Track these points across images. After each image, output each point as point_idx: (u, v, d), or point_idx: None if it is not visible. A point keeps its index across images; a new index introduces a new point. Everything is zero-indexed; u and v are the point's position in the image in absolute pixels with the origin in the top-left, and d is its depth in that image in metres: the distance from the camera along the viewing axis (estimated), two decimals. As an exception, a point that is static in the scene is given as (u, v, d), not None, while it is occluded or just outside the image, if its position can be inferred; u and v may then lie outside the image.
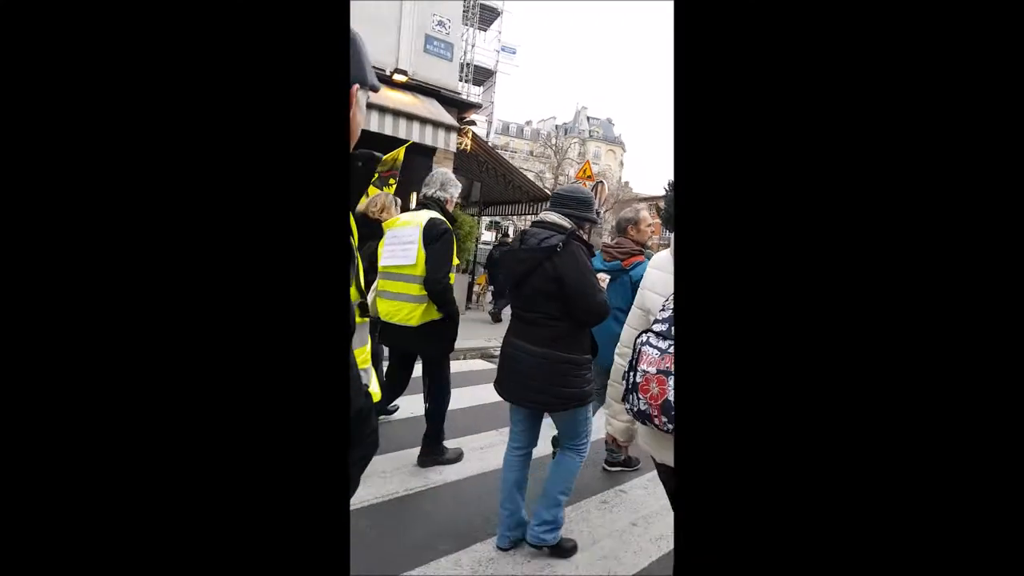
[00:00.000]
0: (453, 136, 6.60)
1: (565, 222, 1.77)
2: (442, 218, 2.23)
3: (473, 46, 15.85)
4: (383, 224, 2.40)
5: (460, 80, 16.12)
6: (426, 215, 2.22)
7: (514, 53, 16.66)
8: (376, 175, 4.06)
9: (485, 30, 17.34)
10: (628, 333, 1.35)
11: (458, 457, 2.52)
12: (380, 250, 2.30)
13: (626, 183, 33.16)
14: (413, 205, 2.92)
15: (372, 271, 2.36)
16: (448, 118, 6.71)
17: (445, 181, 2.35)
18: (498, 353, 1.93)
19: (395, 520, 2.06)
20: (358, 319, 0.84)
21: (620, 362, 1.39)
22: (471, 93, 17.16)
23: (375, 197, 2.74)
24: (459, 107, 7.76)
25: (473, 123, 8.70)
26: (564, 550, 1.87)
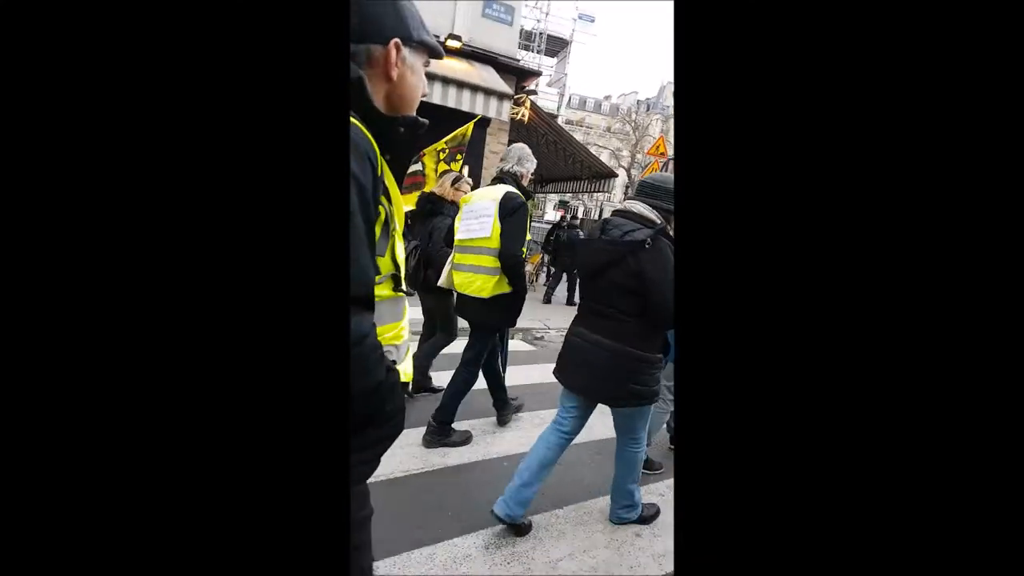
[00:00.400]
0: (506, 105, 6.24)
1: (653, 215, 1.62)
2: (517, 192, 2.22)
3: (547, 14, 15.16)
4: (460, 201, 2.45)
5: (530, 49, 15.62)
6: (502, 189, 2.20)
7: (592, 21, 15.73)
8: (445, 150, 3.99)
9: (563, -3, 16.45)
10: None
11: (466, 440, 2.44)
12: (456, 224, 2.34)
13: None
14: (467, 177, 2.97)
15: (448, 246, 2.45)
16: (502, 86, 6.34)
17: (522, 156, 2.34)
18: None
19: (395, 501, 1.96)
20: (390, 292, 0.79)
21: None
22: (543, 64, 16.55)
23: (446, 175, 2.79)
24: (518, 75, 7.35)
25: (533, 92, 8.27)
26: (647, 518, 1.96)
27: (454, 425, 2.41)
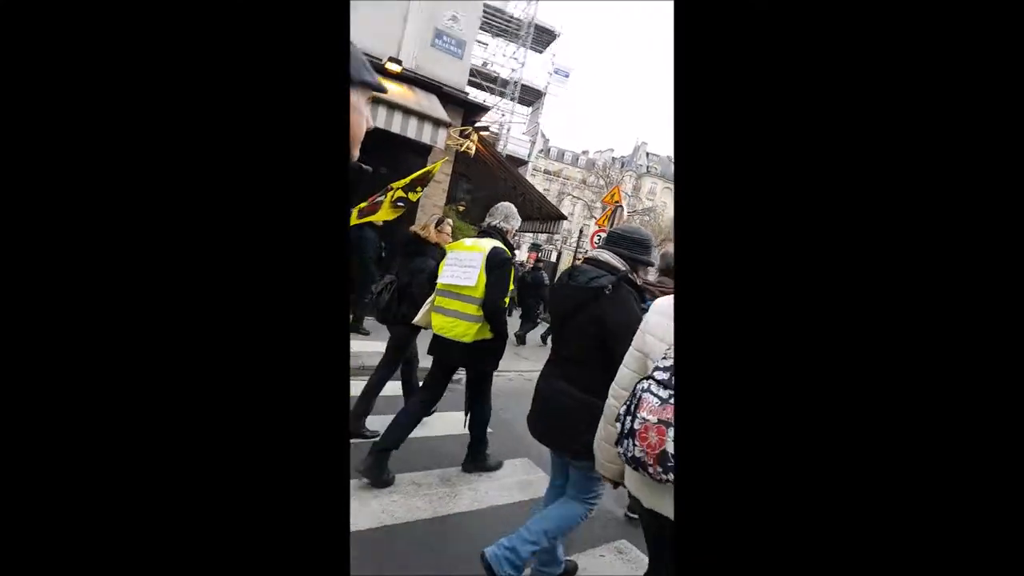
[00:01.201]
0: (442, 133, 6.07)
1: (618, 263, 1.67)
2: (504, 248, 2.36)
3: (523, 64, 15.73)
4: (446, 246, 2.59)
5: (506, 96, 16.12)
6: (490, 243, 2.34)
7: (566, 77, 16.35)
8: (407, 181, 4.16)
9: (540, 52, 17.23)
10: (625, 375, 1.28)
11: (499, 465, 2.72)
12: (441, 268, 2.47)
13: (678, 222, 31.80)
14: (448, 220, 3.13)
15: (430, 286, 2.61)
16: (440, 113, 6.20)
17: (508, 214, 2.50)
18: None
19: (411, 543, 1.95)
20: None
21: (614, 404, 1.28)
22: (517, 111, 17.02)
23: (431, 218, 3.01)
24: (466, 108, 7.28)
25: (485, 128, 8.24)
26: (567, 573, 1.85)
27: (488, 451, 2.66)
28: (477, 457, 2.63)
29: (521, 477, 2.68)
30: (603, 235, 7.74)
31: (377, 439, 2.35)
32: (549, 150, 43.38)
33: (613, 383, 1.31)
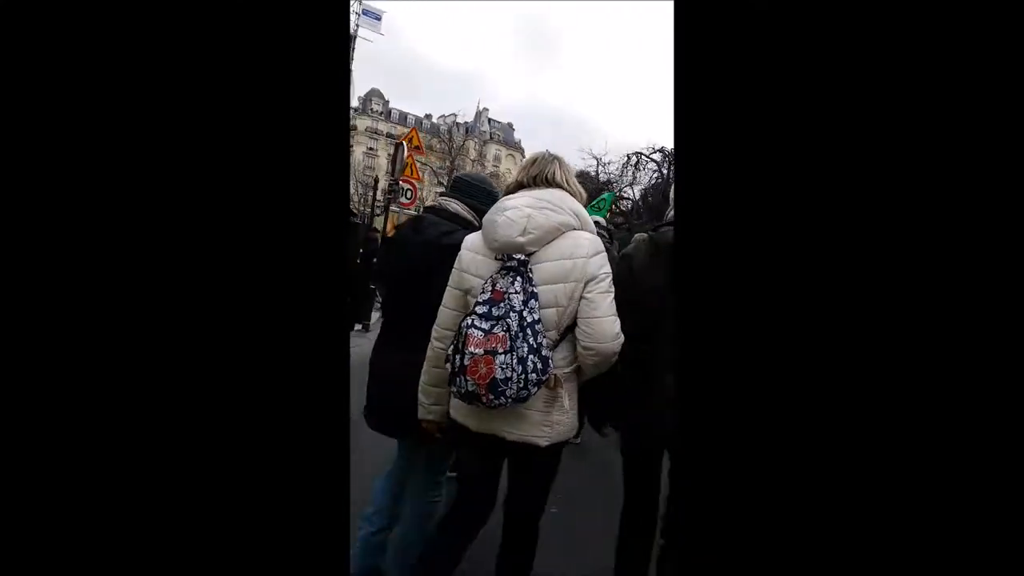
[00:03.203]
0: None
1: (469, 215, 1.50)
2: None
3: None
4: None
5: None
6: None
7: (378, 20, 14.65)
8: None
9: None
10: (445, 315, 1.30)
11: None
12: None
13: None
14: None
15: None
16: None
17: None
18: None
19: None
20: None
21: (438, 346, 1.30)
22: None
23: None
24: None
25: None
26: None
27: None
28: None
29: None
30: (407, 186, 6.96)
31: None
32: (390, 112, 40.51)
33: (435, 325, 1.30)
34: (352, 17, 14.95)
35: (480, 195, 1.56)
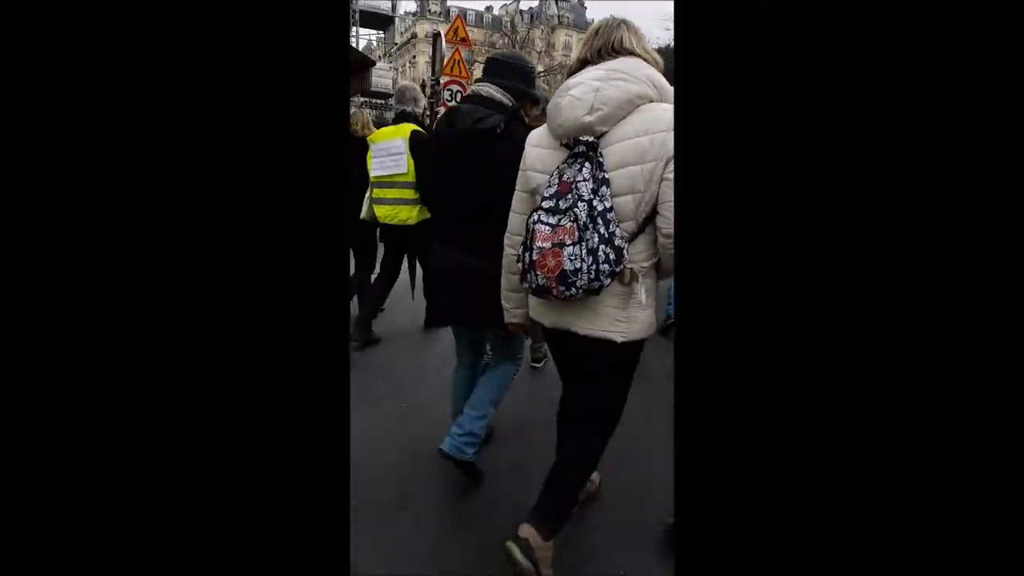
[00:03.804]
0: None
1: (504, 98, 1.42)
2: (422, 130, 2.45)
3: None
4: (367, 139, 2.61)
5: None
6: (408, 127, 2.43)
7: None
8: None
9: None
10: (516, 220, 1.25)
11: (377, 340, 2.82)
12: (368, 162, 2.52)
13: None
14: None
15: (363, 183, 2.60)
16: None
17: (415, 96, 2.62)
18: None
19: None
20: None
21: (511, 252, 1.25)
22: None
23: (356, 115, 2.94)
24: None
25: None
26: (473, 472, 1.64)
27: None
28: (363, 331, 2.71)
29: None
30: (455, 87, 5.61)
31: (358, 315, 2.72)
32: (448, 11, 36.72)
33: (506, 233, 1.27)
34: None
35: (515, 75, 1.45)
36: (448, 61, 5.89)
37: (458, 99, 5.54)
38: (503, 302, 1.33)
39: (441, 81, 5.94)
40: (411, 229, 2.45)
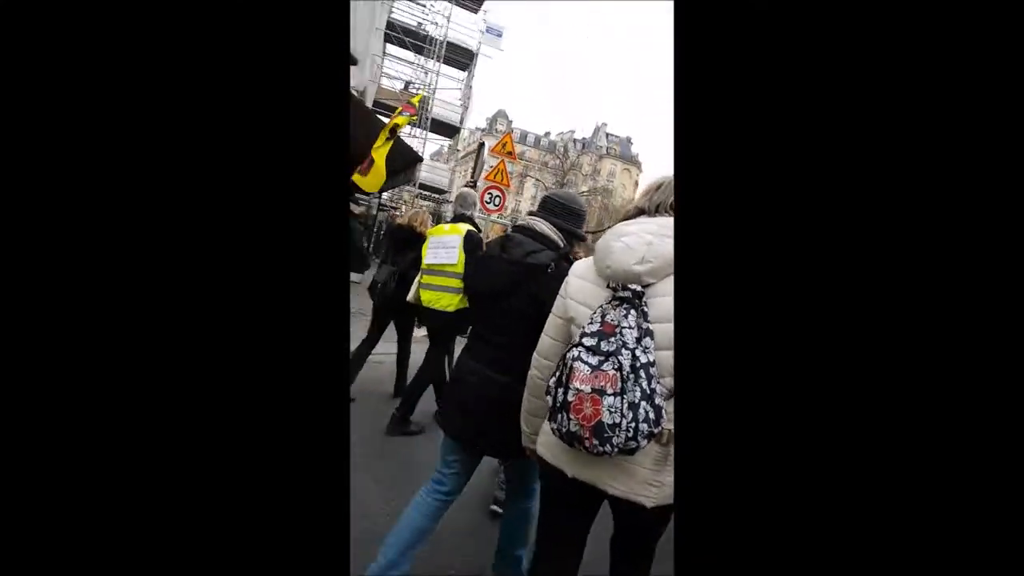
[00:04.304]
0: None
1: (556, 236, 1.47)
2: (476, 231, 2.75)
3: (448, 18, 14.50)
4: (428, 232, 3.03)
5: (424, 53, 14.92)
6: (465, 227, 2.73)
7: (499, 36, 15.18)
8: (382, 140, 4.37)
9: (475, 11, 16.02)
10: (547, 344, 1.22)
11: (421, 431, 2.94)
12: (424, 251, 2.87)
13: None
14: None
15: (416, 268, 3.02)
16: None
17: (473, 201, 2.96)
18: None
19: None
20: None
21: (537, 375, 1.22)
22: (443, 72, 15.88)
23: (417, 213, 3.54)
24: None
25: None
26: None
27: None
28: (403, 422, 2.91)
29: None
30: (495, 192, 6.75)
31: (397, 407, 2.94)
32: (513, 132, 42.17)
33: (535, 355, 1.24)
34: (475, 35, 15.75)
35: (568, 215, 1.51)
36: (493, 170, 6.52)
37: (496, 203, 6.15)
38: (523, 425, 1.29)
39: (481, 186, 6.57)
40: (450, 315, 2.68)
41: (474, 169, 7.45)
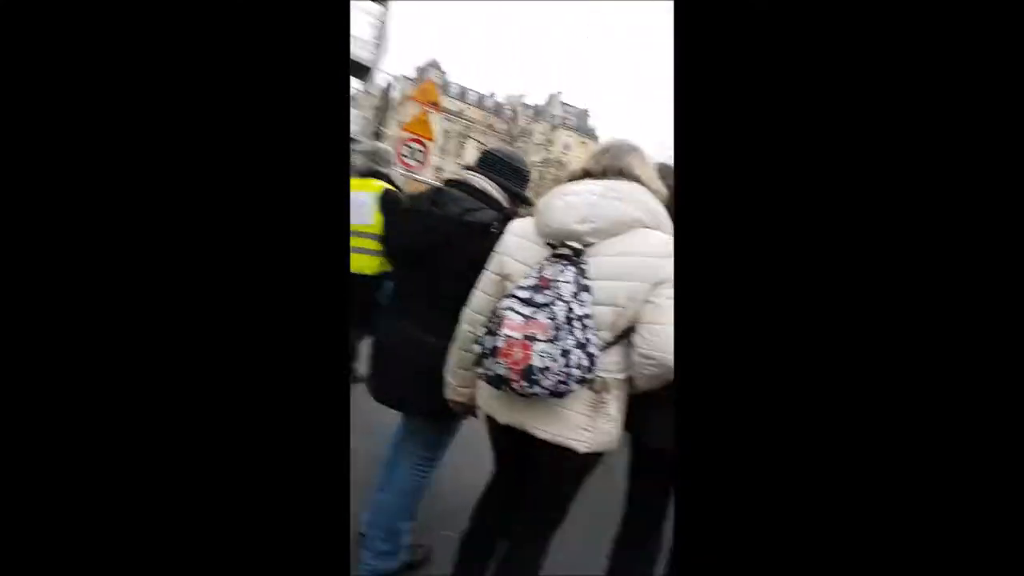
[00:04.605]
0: None
1: (498, 194, 1.34)
2: (394, 188, 2.42)
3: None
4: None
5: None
6: (380, 184, 2.37)
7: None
8: None
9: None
10: (481, 299, 1.20)
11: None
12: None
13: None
14: None
15: None
16: None
17: (389, 158, 2.58)
18: None
19: None
20: None
21: (468, 329, 1.20)
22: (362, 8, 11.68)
23: None
24: None
25: None
26: (415, 564, 1.59)
27: None
28: None
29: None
30: (416, 145, 4.87)
31: None
32: (448, 85, 37.19)
33: (466, 309, 1.20)
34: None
35: (510, 173, 1.37)
36: (413, 119, 5.04)
37: (419, 158, 4.97)
38: (448, 377, 1.25)
39: (398, 138, 5.06)
40: (366, 279, 2.21)
41: (380, 115, 4.64)
